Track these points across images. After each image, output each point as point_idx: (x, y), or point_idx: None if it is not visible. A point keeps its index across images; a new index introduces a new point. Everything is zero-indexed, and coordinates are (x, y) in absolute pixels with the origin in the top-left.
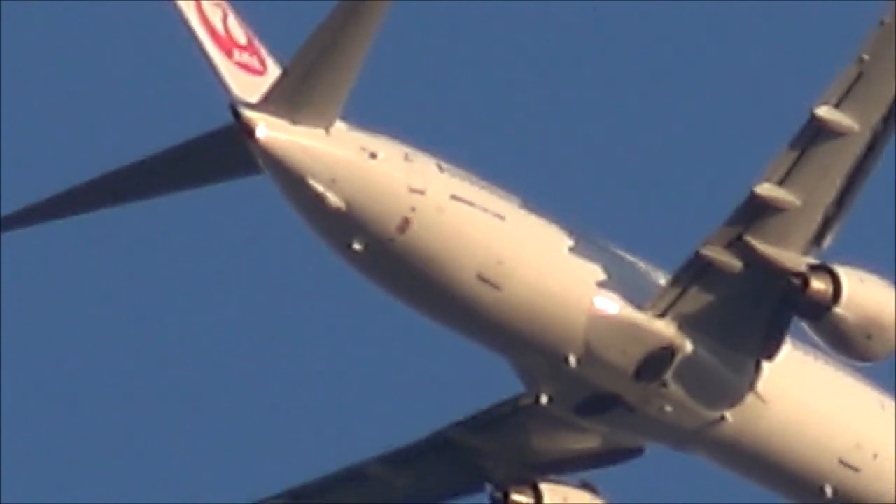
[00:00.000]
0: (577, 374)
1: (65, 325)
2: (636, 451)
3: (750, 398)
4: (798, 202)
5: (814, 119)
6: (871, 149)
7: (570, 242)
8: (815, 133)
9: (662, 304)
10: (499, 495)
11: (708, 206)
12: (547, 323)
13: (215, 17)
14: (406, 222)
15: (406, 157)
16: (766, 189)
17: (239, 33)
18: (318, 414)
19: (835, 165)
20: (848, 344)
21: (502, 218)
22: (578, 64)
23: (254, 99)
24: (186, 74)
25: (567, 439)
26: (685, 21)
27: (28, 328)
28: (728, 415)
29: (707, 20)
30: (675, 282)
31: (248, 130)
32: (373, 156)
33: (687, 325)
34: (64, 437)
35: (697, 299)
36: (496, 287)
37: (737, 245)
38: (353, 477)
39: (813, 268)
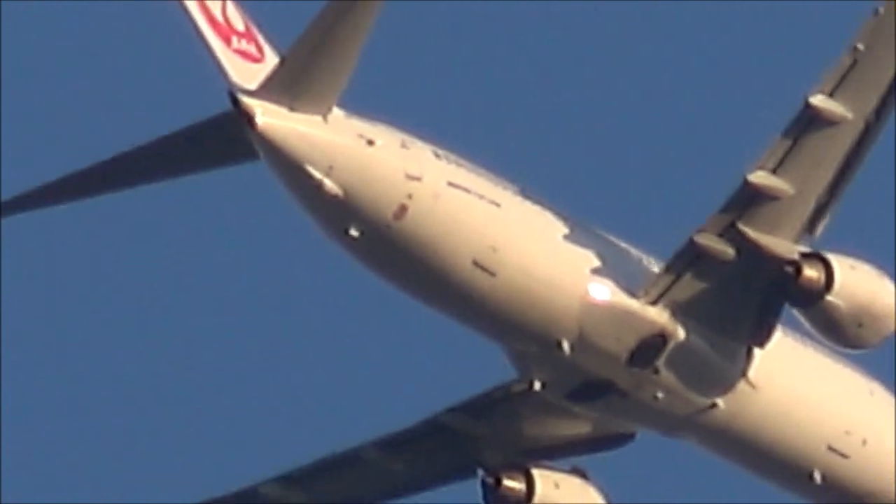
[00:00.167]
0: (571, 360)
1: (63, 316)
2: (627, 437)
3: (741, 385)
4: (791, 190)
5: (808, 107)
6: (864, 137)
7: (564, 229)
8: (809, 121)
9: (655, 292)
10: (491, 480)
11: (701, 194)
12: (541, 309)
13: (214, 4)
14: (403, 209)
15: (403, 144)
16: (759, 177)
17: (237, 20)
18: (314, 398)
19: (828, 154)
20: (839, 331)
21: (498, 205)
22: (572, 52)
23: (252, 86)
24: (185, 61)
25: (559, 425)
26: (679, 10)
27: (28, 320)
28: (719, 401)
29: (701, 9)
30: (668, 269)
31: (246, 117)
32: (370, 143)
33: (680, 312)
34: (64, 435)
35: (690, 287)
36: (491, 273)
37: (730, 233)
38: (346, 461)
39: (805, 256)
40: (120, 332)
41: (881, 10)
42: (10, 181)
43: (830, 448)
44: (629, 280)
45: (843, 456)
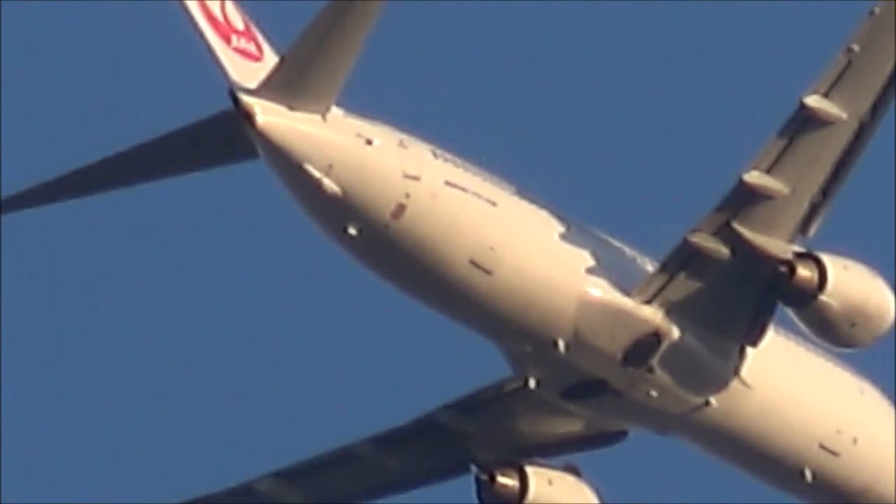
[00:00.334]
0: (566, 359)
1: (63, 314)
2: (620, 435)
3: (734, 384)
4: (785, 190)
5: (803, 108)
6: (859, 138)
7: (560, 229)
8: (804, 122)
9: (650, 291)
10: (485, 477)
11: (696, 194)
12: (537, 308)
13: (213, 3)
14: (400, 208)
15: (401, 144)
16: (754, 177)
17: (237, 19)
18: (310, 395)
19: (822, 154)
20: (832, 331)
21: (495, 204)
22: (569, 52)
23: (251, 85)
24: (185, 60)
25: (553, 423)
26: (676, 10)
27: (27, 319)
28: (713, 400)
29: (698, 10)
30: (662, 268)
31: (246, 116)
32: (369, 142)
33: (674, 311)
34: (64, 434)
35: (685, 286)
36: (488, 272)
37: (724, 232)
38: (342, 458)
39: (799, 255)
40: (118, 330)
41: (877, 10)
42: (9, 180)
43: (822, 446)
44: (624, 279)
45: (834, 454)
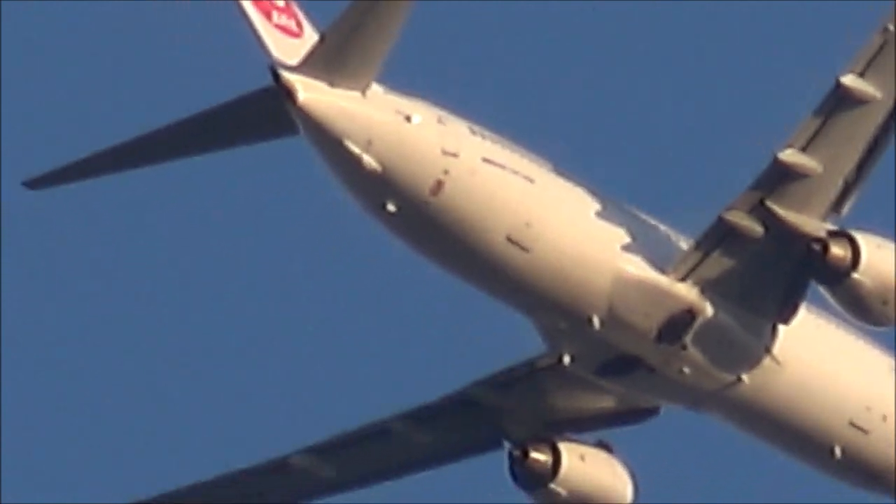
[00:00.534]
0: (600, 335)
1: (62, 311)
2: (652, 411)
3: (766, 361)
4: (820, 168)
5: (838, 87)
6: (893, 117)
7: (596, 206)
8: (839, 101)
9: (684, 269)
10: (518, 453)
11: (731, 172)
12: (572, 285)
13: None
14: (439, 185)
15: (440, 121)
16: (789, 155)
17: None
18: (344, 370)
19: (857, 133)
20: (864, 309)
21: (532, 181)
22: (606, 31)
23: (292, 61)
24: (225, 36)
25: (585, 399)
26: None
27: (28, 320)
28: (744, 377)
29: None
30: (697, 246)
31: (287, 92)
32: (408, 119)
33: (708, 288)
34: (64, 433)
35: (719, 264)
36: (525, 249)
37: (759, 210)
38: (375, 433)
39: (832, 234)
40: (135, 311)
41: None
42: (8, 181)
43: (851, 423)
44: (659, 257)
45: (864, 431)
